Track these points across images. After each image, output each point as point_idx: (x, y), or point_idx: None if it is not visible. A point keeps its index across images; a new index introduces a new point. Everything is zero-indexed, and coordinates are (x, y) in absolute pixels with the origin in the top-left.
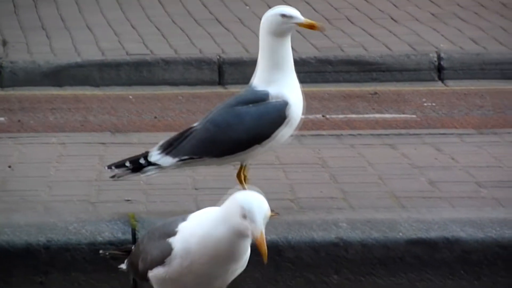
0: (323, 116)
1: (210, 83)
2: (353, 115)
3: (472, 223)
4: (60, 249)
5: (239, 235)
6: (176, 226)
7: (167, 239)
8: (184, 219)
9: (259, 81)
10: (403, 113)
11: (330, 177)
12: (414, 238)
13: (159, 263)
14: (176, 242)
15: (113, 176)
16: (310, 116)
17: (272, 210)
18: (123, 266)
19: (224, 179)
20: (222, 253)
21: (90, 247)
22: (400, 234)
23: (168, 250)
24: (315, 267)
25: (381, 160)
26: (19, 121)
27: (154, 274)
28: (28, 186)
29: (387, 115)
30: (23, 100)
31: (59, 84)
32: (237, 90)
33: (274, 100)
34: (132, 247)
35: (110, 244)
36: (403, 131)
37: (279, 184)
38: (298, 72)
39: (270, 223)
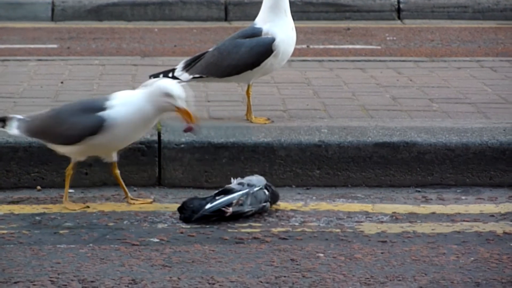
0: (307, 46)
1: (218, 19)
2: (331, 46)
3: (426, 130)
4: None
5: (163, 110)
6: (104, 103)
7: (98, 113)
8: (107, 99)
9: (258, 20)
10: (371, 45)
11: (313, 93)
12: (380, 142)
13: (92, 133)
14: (108, 116)
15: None
16: (297, 46)
17: (268, 118)
18: (11, 130)
19: (230, 93)
20: (144, 124)
21: None
22: (369, 138)
23: (101, 122)
24: (302, 163)
25: (354, 80)
26: (68, 47)
27: (87, 141)
28: (76, 97)
29: (357, 46)
30: (71, 31)
31: (99, 19)
32: (239, 25)
33: (264, 36)
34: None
35: (141, 143)
36: (371, 58)
37: (274, 98)
38: None
39: (266, 128)
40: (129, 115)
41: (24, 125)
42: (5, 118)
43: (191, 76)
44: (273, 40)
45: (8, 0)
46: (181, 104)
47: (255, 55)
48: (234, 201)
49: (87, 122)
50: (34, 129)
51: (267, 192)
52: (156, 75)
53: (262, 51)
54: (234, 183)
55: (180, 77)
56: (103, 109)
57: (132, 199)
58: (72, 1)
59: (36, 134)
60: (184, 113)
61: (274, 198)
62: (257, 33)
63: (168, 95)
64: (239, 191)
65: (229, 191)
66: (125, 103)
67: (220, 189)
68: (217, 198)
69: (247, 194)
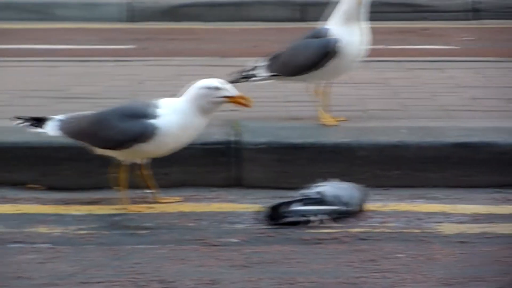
0: (384, 46)
1: (295, 19)
2: (408, 46)
3: (506, 130)
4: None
5: (210, 111)
6: (154, 111)
7: (149, 121)
8: (157, 106)
9: (329, 21)
10: (448, 45)
11: (392, 94)
12: (459, 142)
13: (142, 140)
14: (159, 124)
15: None
16: (374, 46)
17: (338, 119)
18: (51, 131)
19: (309, 93)
20: (193, 130)
21: (203, 146)
22: (448, 138)
23: (152, 130)
24: (381, 164)
25: (432, 81)
26: (145, 48)
27: (137, 148)
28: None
29: (435, 46)
30: (148, 32)
31: (176, 19)
32: (316, 26)
33: (330, 37)
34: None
35: (220, 144)
36: (449, 58)
37: (352, 98)
38: None
39: (345, 128)
40: (179, 123)
41: (66, 126)
42: (44, 118)
43: (269, 74)
44: (336, 41)
45: (85, 1)
46: (232, 92)
47: (319, 55)
48: (323, 216)
49: (137, 129)
50: (78, 131)
51: (358, 208)
52: (243, 75)
53: (325, 52)
54: (329, 190)
55: (259, 75)
56: (153, 116)
57: (161, 198)
58: (149, 1)
59: (79, 136)
60: (238, 98)
61: (361, 206)
62: (324, 34)
63: (217, 88)
64: (332, 205)
65: (321, 201)
66: (174, 111)
67: (311, 195)
68: (306, 202)
69: (340, 212)
